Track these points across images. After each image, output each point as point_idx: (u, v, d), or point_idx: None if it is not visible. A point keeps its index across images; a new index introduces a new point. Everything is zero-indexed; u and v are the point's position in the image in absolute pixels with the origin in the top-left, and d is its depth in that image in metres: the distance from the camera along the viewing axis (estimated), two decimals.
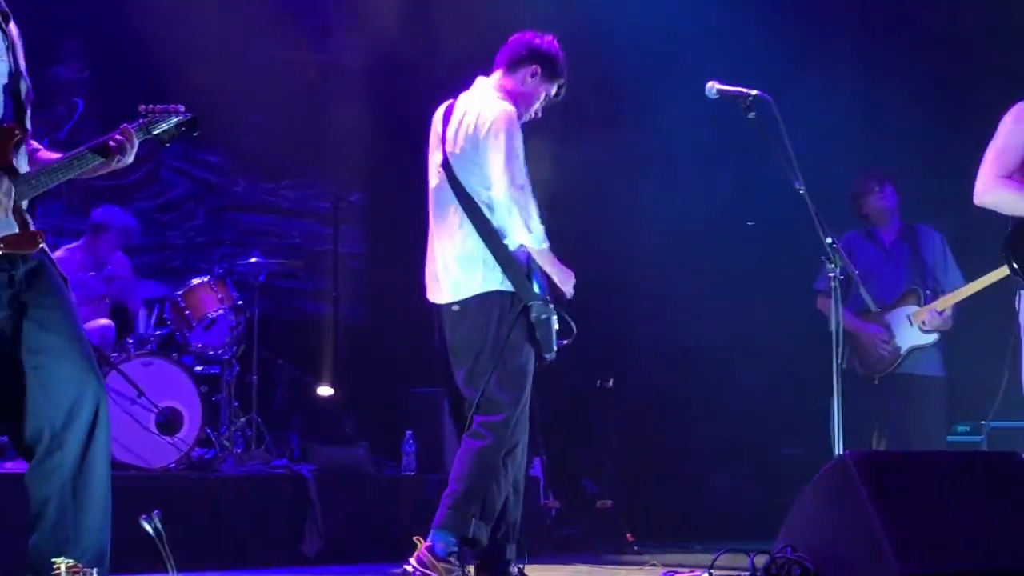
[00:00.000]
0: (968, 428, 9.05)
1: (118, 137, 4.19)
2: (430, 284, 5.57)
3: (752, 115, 5.57)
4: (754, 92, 5.62)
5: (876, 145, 10.57)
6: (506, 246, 5.34)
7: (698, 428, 10.38)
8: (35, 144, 4.35)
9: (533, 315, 5.29)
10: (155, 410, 7.35)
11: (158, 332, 7.93)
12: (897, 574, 3.75)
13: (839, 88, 10.92)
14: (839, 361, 5.67)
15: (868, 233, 7.86)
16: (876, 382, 7.60)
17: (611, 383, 9.66)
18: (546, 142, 8.64)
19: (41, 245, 4.08)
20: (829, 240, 5.64)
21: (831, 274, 5.69)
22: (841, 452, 5.17)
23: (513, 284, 5.30)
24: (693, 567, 4.56)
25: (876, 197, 7.78)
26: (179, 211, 9.67)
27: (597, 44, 9.46)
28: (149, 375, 7.42)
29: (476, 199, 5.34)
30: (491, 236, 5.32)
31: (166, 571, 3.62)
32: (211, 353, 7.92)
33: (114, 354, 7.61)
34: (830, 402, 5.63)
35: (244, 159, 9.60)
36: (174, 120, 4.37)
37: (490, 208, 5.35)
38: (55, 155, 4.28)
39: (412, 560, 5.19)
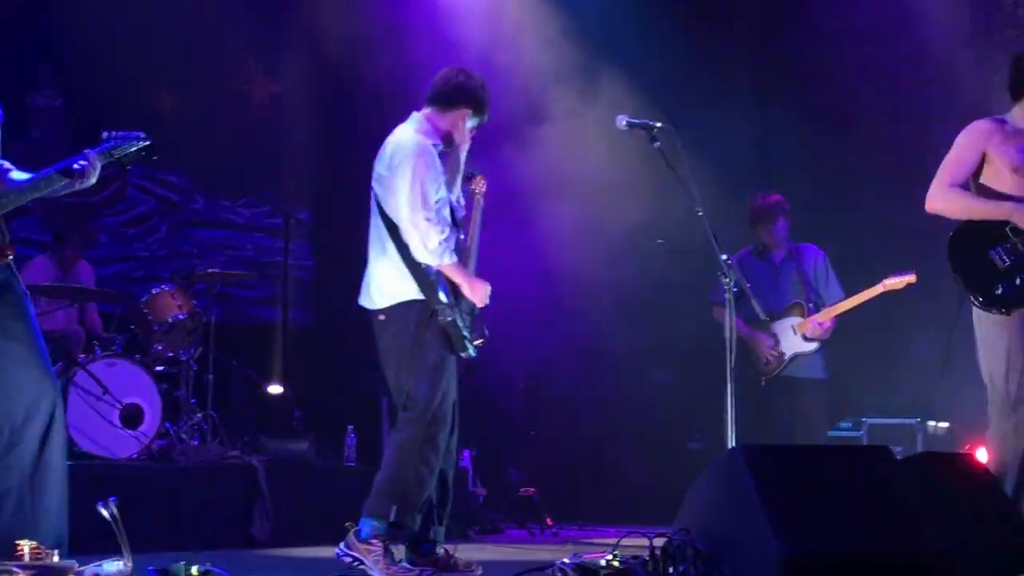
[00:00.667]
0: (850, 424, 9.17)
1: (82, 161, 4.21)
2: (363, 291, 5.58)
3: (657, 144, 5.61)
4: (658, 124, 5.66)
5: (769, 170, 10.67)
6: (415, 257, 5.35)
7: (613, 424, 10.45)
8: (7, 165, 4.33)
9: (440, 319, 5.27)
10: (119, 406, 7.29)
11: (122, 335, 7.86)
12: (778, 555, 3.78)
13: (736, 119, 11.02)
14: (732, 364, 5.74)
15: (760, 252, 7.90)
16: (763, 383, 7.66)
17: (533, 384, 9.72)
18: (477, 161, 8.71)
19: (9, 258, 4.06)
20: (724, 257, 5.70)
21: (725, 287, 5.76)
22: (732, 445, 5.23)
23: (423, 293, 5.30)
24: (603, 547, 4.57)
25: (768, 229, 7.83)
26: (143, 226, 9.61)
27: (521, 76, 9.55)
28: (113, 374, 7.36)
29: (395, 220, 5.34)
30: (407, 252, 5.33)
31: (121, 553, 3.59)
32: (171, 354, 7.84)
33: (81, 355, 7.54)
34: (724, 401, 5.70)
35: (203, 179, 9.56)
36: (134, 145, 4.39)
37: (403, 229, 5.35)
38: (25, 175, 4.28)
39: (341, 543, 5.21)
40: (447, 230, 5.40)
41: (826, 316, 7.64)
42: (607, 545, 4.53)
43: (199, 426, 7.85)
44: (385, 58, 9.82)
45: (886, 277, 7.66)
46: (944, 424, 9.37)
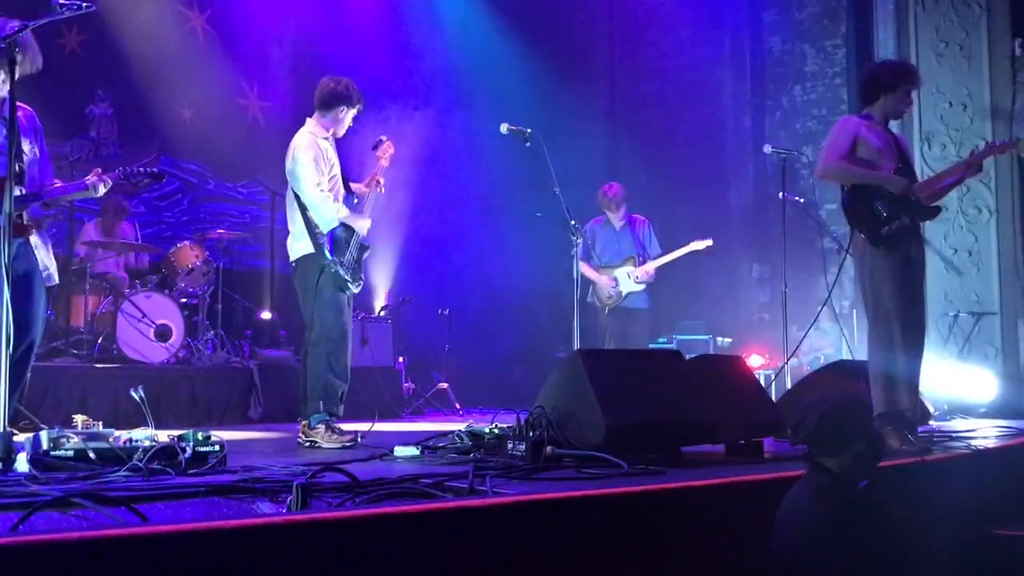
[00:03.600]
0: (665, 339, 9.34)
1: (94, 179, 4.30)
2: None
3: (528, 145, 5.63)
4: (529, 130, 5.67)
5: (614, 165, 10.78)
6: (311, 225, 5.21)
7: (504, 339, 10.54)
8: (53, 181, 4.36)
9: (327, 270, 5.16)
10: (153, 326, 7.21)
11: (156, 276, 7.77)
12: (604, 424, 3.84)
13: (593, 130, 11.11)
14: (577, 297, 5.81)
15: (607, 220, 7.98)
16: (607, 311, 7.77)
17: (448, 312, 9.76)
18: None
19: (30, 236, 4.14)
20: (573, 222, 5.75)
21: (574, 244, 5.82)
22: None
23: (315, 250, 5.18)
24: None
25: (612, 207, 7.90)
26: (171, 200, 9.43)
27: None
28: (150, 303, 7.26)
29: (299, 196, 5.22)
30: (308, 221, 5.20)
31: (146, 424, 3.58)
32: (191, 290, 7.77)
33: (127, 290, 7.44)
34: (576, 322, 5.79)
35: (214, 167, 9.42)
36: (143, 173, 4.46)
37: (305, 202, 5.22)
38: (56, 185, 4.35)
39: (299, 435, 5.15)
40: (340, 196, 5.31)
41: (651, 267, 7.76)
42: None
43: (211, 340, 7.79)
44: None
45: (692, 241, 7.82)
46: (728, 339, 9.59)
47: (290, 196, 5.32)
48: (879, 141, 4.95)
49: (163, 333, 7.27)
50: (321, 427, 5.06)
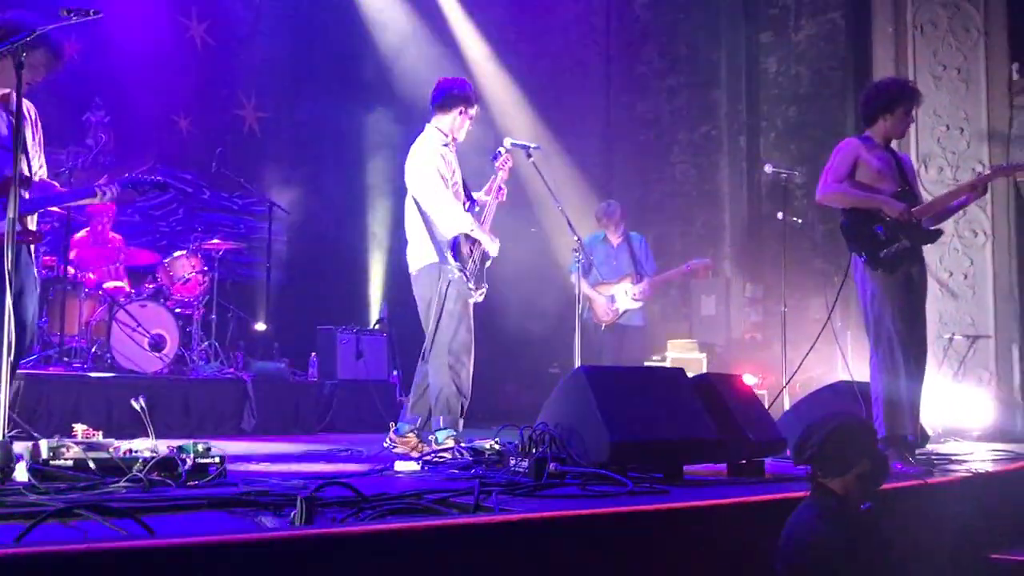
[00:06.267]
0: (659, 357, 9.31)
1: (104, 186, 4.26)
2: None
3: (531, 159, 5.59)
4: (533, 145, 5.65)
5: (608, 183, 10.78)
6: (433, 233, 5.15)
7: (500, 357, 10.43)
8: (52, 182, 4.32)
9: (450, 276, 5.09)
10: (148, 335, 7.15)
11: (151, 285, 7.71)
12: (608, 441, 3.80)
13: (587, 144, 11.11)
14: (579, 313, 5.79)
15: (604, 237, 7.98)
16: (603, 328, 7.75)
17: None
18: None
19: (37, 242, 4.12)
20: (576, 238, 5.74)
21: (576, 259, 5.80)
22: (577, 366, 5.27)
23: (439, 257, 5.12)
24: (486, 438, 4.60)
25: (609, 224, 7.91)
26: (167, 209, 9.34)
27: None
28: (145, 313, 7.22)
29: (419, 204, 5.17)
30: (428, 225, 5.15)
31: (147, 435, 3.54)
32: (186, 300, 7.72)
33: (122, 299, 7.38)
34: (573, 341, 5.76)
35: (210, 177, 9.35)
36: (149, 182, 4.38)
37: (427, 210, 5.17)
38: (63, 190, 4.35)
39: (387, 437, 5.14)
40: (465, 203, 5.25)
41: (648, 285, 7.76)
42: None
43: (206, 351, 7.75)
44: (336, 95, 9.79)
45: (692, 260, 7.83)
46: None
47: (409, 204, 5.23)
48: (879, 163, 4.95)
49: (157, 343, 7.21)
50: (450, 441, 4.94)
